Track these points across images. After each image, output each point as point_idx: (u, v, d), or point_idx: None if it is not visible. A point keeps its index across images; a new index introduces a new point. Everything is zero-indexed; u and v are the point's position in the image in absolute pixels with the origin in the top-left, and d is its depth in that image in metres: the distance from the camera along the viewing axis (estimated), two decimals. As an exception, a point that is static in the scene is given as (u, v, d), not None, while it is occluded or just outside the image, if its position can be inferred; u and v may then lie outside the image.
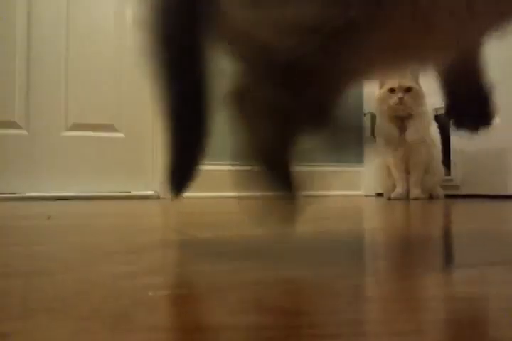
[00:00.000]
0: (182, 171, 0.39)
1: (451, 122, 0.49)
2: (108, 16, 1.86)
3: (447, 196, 1.60)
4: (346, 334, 0.17)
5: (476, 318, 0.19)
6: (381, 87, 1.48)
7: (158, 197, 1.81)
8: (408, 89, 1.44)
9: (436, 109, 1.76)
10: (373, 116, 2.09)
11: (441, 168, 1.55)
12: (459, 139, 1.60)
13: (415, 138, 1.47)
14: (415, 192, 1.47)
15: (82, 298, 0.22)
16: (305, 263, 0.32)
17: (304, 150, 0.36)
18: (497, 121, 1.52)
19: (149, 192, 1.83)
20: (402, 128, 1.48)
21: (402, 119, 1.49)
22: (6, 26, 1.73)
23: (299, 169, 0.37)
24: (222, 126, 1.67)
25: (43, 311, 0.20)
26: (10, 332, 0.17)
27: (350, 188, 2.12)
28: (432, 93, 1.79)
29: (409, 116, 1.48)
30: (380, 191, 1.56)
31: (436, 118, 1.72)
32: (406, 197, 1.48)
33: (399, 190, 1.49)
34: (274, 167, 0.35)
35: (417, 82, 1.45)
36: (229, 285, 0.25)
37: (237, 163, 0.38)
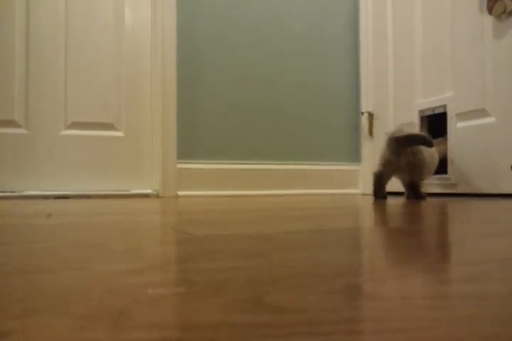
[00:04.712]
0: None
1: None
2: (108, 15, 1.85)
3: (444, 194, 1.61)
4: (343, 332, 0.17)
5: (474, 316, 0.19)
6: None
7: (157, 196, 1.81)
8: None
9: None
10: (370, 115, 2.09)
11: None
12: (455, 138, 1.60)
13: None
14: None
15: (82, 295, 0.23)
16: (303, 260, 0.32)
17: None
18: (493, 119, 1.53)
19: (148, 191, 1.83)
20: None
21: None
22: (4, 25, 1.72)
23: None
24: (222, 127, 1.71)
25: (43, 309, 0.20)
26: (10, 331, 0.17)
27: (348, 187, 2.12)
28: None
29: None
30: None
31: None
32: None
33: None
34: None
35: None
36: (228, 283, 0.25)
37: None
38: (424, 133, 1.49)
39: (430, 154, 1.44)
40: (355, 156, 2.15)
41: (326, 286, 0.24)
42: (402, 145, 1.35)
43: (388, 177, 1.43)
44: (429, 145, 1.39)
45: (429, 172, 1.47)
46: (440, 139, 1.62)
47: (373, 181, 1.44)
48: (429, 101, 1.73)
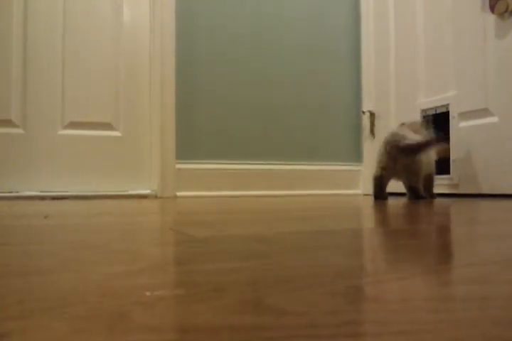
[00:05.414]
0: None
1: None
2: (105, 14, 1.85)
3: (447, 195, 1.60)
4: (345, 335, 0.17)
5: (476, 318, 0.19)
6: None
7: (155, 196, 1.81)
8: None
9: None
10: (372, 115, 2.09)
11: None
12: (457, 138, 1.60)
13: None
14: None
15: (80, 297, 0.22)
16: (304, 262, 0.32)
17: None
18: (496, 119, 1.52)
19: (147, 191, 1.83)
20: None
21: None
22: (2, 24, 1.72)
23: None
24: (222, 127, 1.72)
25: (41, 311, 0.20)
26: (8, 332, 0.17)
27: (349, 187, 2.12)
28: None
29: None
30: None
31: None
32: None
33: None
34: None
35: None
36: (227, 285, 0.25)
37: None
38: (425, 137, 1.42)
39: (426, 155, 1.44)
40: (356, 156, 2.15)
41: (327, 288, 0.24)
42: (405, 154, 1.37)
43: (388, 180, 1.46)
44: (434, 145, 1.38)
45: (427, 171, 1.47)
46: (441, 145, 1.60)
47: (373, 184, 1.46)
48: (432, 101, 1.73)
